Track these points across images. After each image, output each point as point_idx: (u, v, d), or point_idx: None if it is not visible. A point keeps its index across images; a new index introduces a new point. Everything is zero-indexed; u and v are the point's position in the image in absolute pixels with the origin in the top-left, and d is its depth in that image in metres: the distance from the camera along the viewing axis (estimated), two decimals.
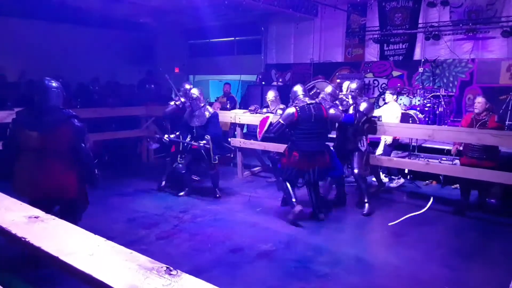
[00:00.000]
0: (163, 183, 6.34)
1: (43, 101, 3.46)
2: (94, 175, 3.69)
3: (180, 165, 5.89)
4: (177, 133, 6.06)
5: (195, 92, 5.93)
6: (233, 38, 12.91)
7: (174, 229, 4.70)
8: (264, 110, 7.21)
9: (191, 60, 14.19)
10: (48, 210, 3.31)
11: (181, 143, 5.97)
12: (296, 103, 4.93)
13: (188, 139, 5.90)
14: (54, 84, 3.56)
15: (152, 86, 10.01)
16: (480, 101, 5.35)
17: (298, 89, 5.13)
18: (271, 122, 5.80)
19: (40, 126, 3.36)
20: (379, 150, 6.82)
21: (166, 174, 6.35)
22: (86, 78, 9.41)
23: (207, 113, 5.87)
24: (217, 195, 5.98)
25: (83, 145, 3.59)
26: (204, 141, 5.70)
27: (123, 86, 10.19)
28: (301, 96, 5.02)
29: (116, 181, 6.71)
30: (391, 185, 6.71)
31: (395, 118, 6.72)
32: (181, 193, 6.00)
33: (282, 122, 4.88)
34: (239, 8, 9.54)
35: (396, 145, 7.25)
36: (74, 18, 10.48)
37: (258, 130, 6.07)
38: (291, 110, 4.86)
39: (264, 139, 6.52)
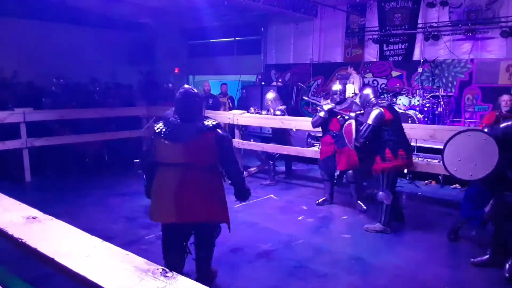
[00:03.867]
0: None
1: (186, 110, 3.08)
2: (246, 189, 3.22)
3: None
4: None
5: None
6: (232, 39, 12.92)
7: None
8: (263, 112, 7.19)
9: (191, 60, 14.19)
10: (186, 237, 3.10)
11: None
12: (381, 103, 4.71)
13: None
14: (195, 92, 3.24)
15: (170, 85, 10.04)
16: (509, 98, 4.96)
17: (369, 91, 4.91)
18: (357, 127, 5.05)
19: (185, 137, 2.94)
20: None
21: None
22: (85, 78, 9.41)
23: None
24: None
25: (233, 157, 3.14)
26: None
27: (122, 86, 10.18)
28: (373, 99, 4.82)
29: (116, 181, 6.72)
30: None
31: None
32: None
33: (372, 124, 4.54)
34: (238, 9, 9.54)
35: None
36: (74, 18, 10.50)
37: (346, 139, 5.23)
38: (377, 111, 4.55)
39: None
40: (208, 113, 7.84)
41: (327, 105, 5.48)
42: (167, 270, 1.01)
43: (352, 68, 9.89)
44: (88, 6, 10.00)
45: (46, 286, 3.23)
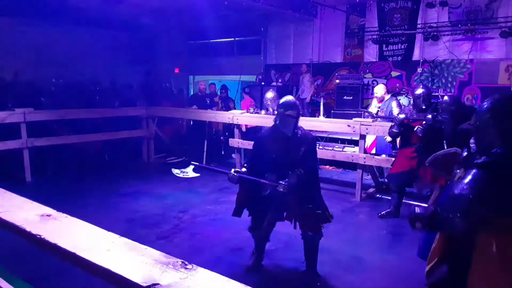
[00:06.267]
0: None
1: None
2: None
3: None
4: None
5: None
6: (232, 39, 12.92)
7: (174, 229, 4.72)
8: (263, 112, 7.23)
9: (191, 60, 14.18)
10: None
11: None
12: None
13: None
14: None
15: (167, 84, 10.08)
16: None
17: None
18: None
19: None
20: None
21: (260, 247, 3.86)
22: (85, 78, 9.42)
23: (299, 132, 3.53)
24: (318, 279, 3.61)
25: None
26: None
27: (123, 87, 10.22)
28: None
29: (116, 181, 6.75)
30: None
31: None
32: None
33: None
34: (239, 9, 9.56)
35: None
36: (74, 18, 10.48)
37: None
38: None
39: None
40: (207, 112, 7.92)
41: (401, 114, 4.87)
42: (186, 262, 1.05)
43: (306, 67, 10.62)
44: (88, 6, 9.99)
45: (47, 286, 3.25)
